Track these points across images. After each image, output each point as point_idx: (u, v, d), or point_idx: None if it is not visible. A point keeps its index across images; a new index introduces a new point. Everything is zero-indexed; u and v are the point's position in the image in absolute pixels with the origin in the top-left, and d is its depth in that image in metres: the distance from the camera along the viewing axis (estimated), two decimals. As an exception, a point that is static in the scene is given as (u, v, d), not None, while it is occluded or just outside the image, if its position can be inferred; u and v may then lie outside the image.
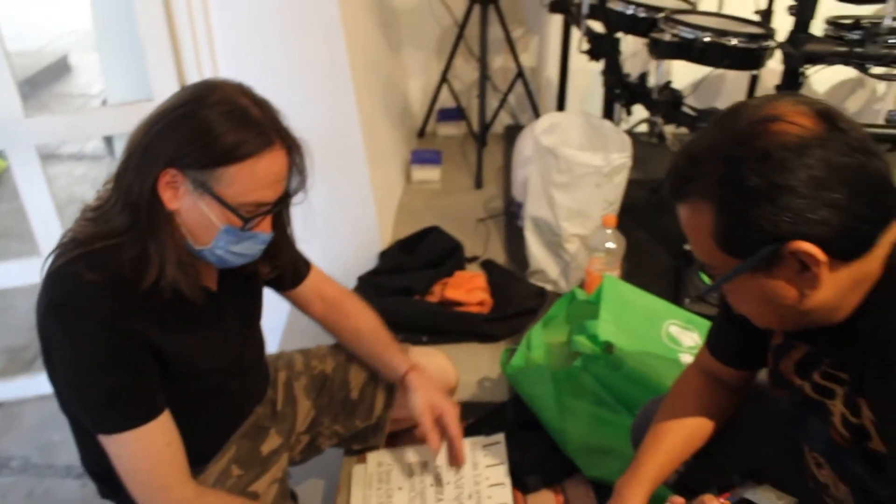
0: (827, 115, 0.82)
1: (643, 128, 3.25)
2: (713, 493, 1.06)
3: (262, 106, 1.13)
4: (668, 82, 2.05)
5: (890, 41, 1.56)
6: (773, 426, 1.20)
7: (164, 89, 1.98)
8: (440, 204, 2.79)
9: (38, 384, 2.37)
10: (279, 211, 1.25)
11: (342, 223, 2.41)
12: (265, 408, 1.49)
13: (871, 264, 0.85)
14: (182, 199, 1.12)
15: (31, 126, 1.96)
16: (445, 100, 3.27)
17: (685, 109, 1.99)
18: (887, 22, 1.57)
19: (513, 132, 3.10)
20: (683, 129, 3.12)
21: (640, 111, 3.27)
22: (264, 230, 1.19)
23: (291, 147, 1.17)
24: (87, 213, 1.18)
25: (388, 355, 1.51)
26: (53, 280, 1.12)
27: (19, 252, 3.03)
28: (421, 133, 3.33)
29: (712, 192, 0.85)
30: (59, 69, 5.02)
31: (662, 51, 1.93)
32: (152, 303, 1.14)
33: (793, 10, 1.57)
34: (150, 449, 1.17)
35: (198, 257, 1.19)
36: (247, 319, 1.40)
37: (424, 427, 1.43)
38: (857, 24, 1.73)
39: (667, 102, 2.01)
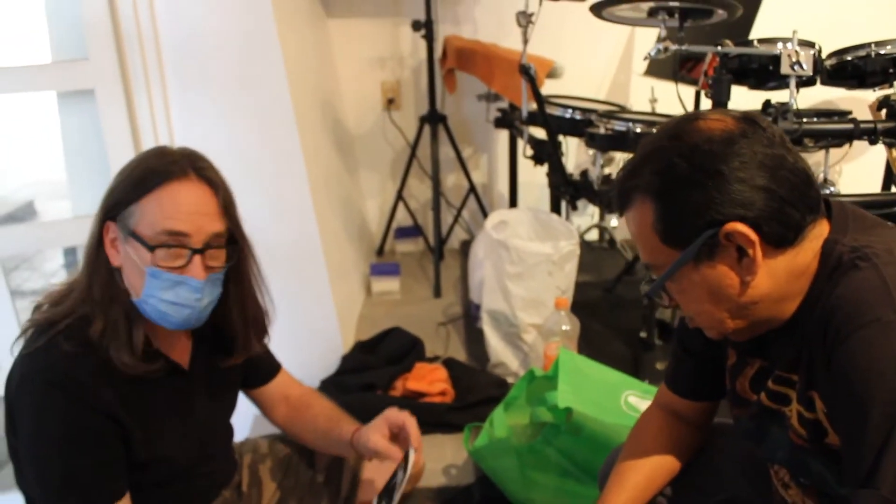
0: (747, 117, 0.93)
1: (594, 236, 3.41)
2: None
3: (187, 151, 1.16)
4: (609, 174, 2.20)
5: (795, 119, 1.72)
6: (738, 460, 1.22)
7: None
8: (400, 312, 2.84)
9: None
10: (234, 268, 1.22)
11: (305, 333, 2.44)
12: (231, 491, 1.47)
13: (804, 257, 0.91)
14: (121, 252, 1.13)
15: (-4, 238, 2.01)
16: (402, 219, 3.40)
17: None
18: (792, 102, 1.73)
19: (468, 247, 3.21)
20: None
21: (585, 218, 3.45)
22: (195, 275, 1.13)
23: (214, 185, 1.15)
24: (48, 297, 1.19)
25: (336, 431, 1.43)
26: (31, 357, 1.10)
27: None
28: (380, 251, 3.43)
29: (650, 187, 0.93)
30: (25, 214, 5.12)
31: (599, 143, 2.08)
32: (123, 378, 1.13)
33: (709, 94, 1.73)
34: None
35: (144, 316, 1.16)
36: (219, 405, 1.38)
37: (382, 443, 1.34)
38: (766, 106, 1.90)
39: (608, 193, 2.14)
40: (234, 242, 1.20)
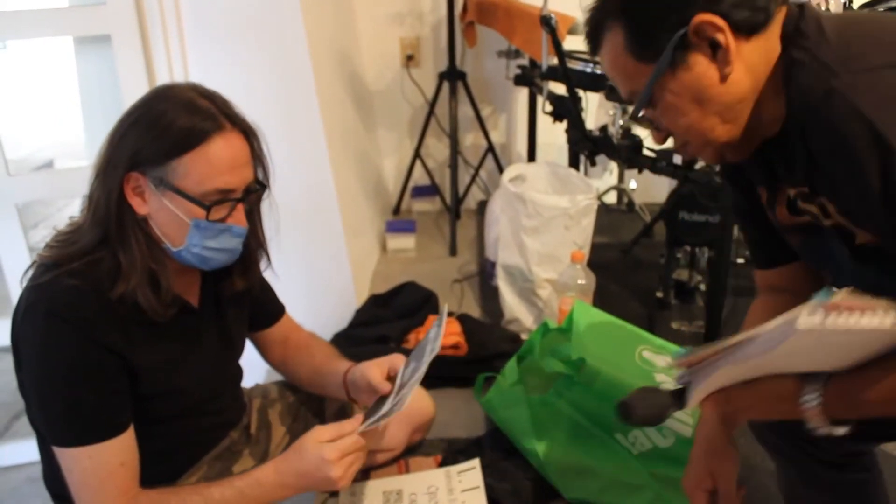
0: None
1: (613, 199, 3.37)
2: None
3: (211, 97, 1.15)
4: (629, 128, 2.15)
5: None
6: None
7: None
8: (415, 269, 2.83)
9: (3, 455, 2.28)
10: (249, 212, 1.25)
11: (318, 286, 2.44)
12: (239, 433, 1.47)
13: (771, 42, 0.90)
14: (149, 201, 1.13)
15: (13, 184, 2.00)
16: (419, 177, 3.38)
17: (645, 153, 2.08)
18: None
19: (485, 207, 3.18)
20: (651, 199, 3.26)
21: (604, 181, 3.40)
22: (238, 222, 1.18)
23: (247, 132, 1.18)
24: (59, 236, 1.18)
25: (332, 367, 1.46)
26: (36, 289, 1.11)
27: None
28: (396, 210, 3.42)
29: (614, 7, 0.94)
30: (45, 172, 5.17)
31: (619, 96, 2.03)
32: (129, 316, 1.13)
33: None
34: (101, 468, 1.13)
35: (179, 262, 1.18)
36: (227, 343, 1.38)
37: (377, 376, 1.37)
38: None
39: (628, 147, 2.10)
40: (261, 182, 1.23)
